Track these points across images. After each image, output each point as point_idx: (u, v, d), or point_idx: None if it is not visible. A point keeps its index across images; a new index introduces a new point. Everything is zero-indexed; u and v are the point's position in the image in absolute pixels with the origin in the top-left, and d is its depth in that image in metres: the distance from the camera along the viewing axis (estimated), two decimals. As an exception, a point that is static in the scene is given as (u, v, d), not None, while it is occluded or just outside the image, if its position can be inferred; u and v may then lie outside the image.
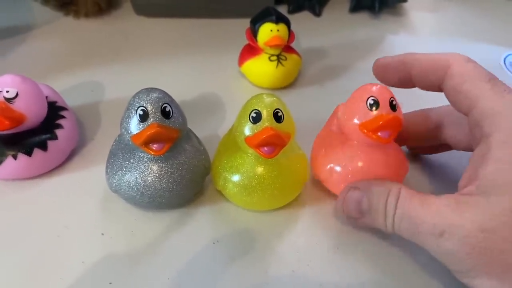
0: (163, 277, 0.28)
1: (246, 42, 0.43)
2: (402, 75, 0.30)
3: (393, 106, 0.29)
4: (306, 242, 0.31)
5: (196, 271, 0.29)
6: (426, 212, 0.25)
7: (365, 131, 0.29)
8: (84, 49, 0.48)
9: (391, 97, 0.29)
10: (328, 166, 0.31)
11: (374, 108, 0.29)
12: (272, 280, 0.29)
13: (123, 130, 0.29)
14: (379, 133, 0.28)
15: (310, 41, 0.52)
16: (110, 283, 0.28)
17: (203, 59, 0.48)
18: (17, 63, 0.46)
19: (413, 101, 0.41)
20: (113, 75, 0.44)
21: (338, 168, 0.31)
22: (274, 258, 0.30)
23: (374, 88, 0.29)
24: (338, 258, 0.30)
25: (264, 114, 0.28)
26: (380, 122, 0.28)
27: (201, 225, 0.31)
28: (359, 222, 0.30)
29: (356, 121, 0.29)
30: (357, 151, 0.30)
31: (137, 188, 0.29)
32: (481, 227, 0.22)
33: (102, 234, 0.30)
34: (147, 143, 0.27)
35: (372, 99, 0.29)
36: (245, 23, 0.43)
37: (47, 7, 0.53)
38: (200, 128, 0.35)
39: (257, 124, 0.28)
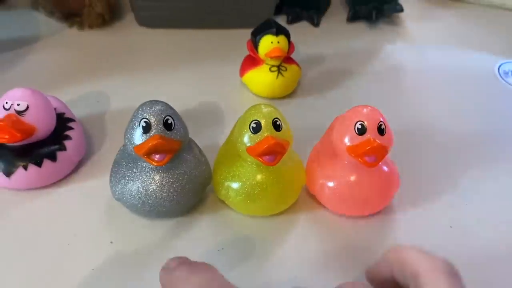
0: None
1: (247, 52, 0.44)
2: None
3: (381, 130, 0.30)
4: (309, 247, 0.32)
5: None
6: None
7: (353, 154, 0.30)
8: (89, 60, 0.49)
9: (380, 121, 0.30)
10: (320, 181, 0.33)
11: (361, 133, 0.30)
12: (276, 286, 0.30)
13: (126, 141, 0.30)
14: (365, 158, 0.29)
15: (309, 50, 0.53)
16: (119, 290, 0.29)
17: (205, 70, 0.49)
18: (23, 74, 0.47)
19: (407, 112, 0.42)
20: (117, 86, 0.46)
21: (329, 184, 0.32)
22: (278, 263, 0.31)
23: (364, 110, 0.31)
24: (341, 262, 0.31)
25: (264, 123, 0.29)
26: (367, 148, 0.29)
27: (206, 233, 0.33)
28: None
29: (345, 142, 0.30)
30: (347, 170, 0.32)
31: (138, 197, 0.30)
32: None
33: (111, 242, 0.31)
34: (149, 153, 0.28)
35: (360, 124, 0.30)
36: (246, 33, 0.45)
37: (51, 19, 0.55)
38: (202, 138, 0.37)
39: (258, 134, 0.29)
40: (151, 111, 0.29)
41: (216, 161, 0.34)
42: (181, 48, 0.52)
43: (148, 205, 0.31)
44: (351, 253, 0.32)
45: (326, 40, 0.56)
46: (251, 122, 0.30)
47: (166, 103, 0.30)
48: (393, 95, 0.48)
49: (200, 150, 0.34)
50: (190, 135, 0.34)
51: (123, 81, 0.46)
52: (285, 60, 0.44)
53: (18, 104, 0.32)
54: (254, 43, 0.43)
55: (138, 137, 0.29)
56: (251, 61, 0.44)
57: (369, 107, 0.31)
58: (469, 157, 0.40)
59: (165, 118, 0.29)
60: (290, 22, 0.58)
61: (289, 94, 0.46)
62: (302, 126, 0.40)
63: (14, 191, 0.34)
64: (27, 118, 0.32)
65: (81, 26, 0.53)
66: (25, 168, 0.32)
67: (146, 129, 0.29)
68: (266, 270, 0.30)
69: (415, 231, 0.34)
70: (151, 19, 0.54)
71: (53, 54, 0.50)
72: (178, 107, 0.32)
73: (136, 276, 0.30)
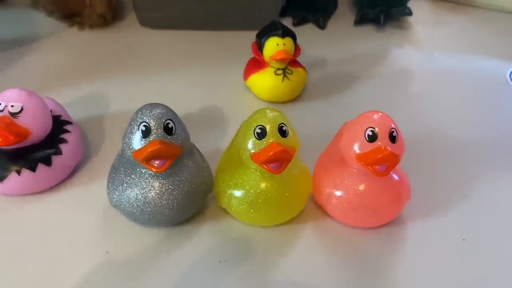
0: (168, 297, 0.28)
1: (251, 55, 0.43)
2: None
3: (392, 138, 0.28)
4: (315, 259, 0.31)
5: (202, 290, 0.28)
6: None
7: (363, 163, 0.28)
8: (88, 61, 0.48)
9: (392, 128, 0.28)
10: (327, 190, 0.31)
11: (372, 140, 0.28)
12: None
13: (125, 145, 0.28)
14: (376, 167, 0.28)
15: (315, 53, 0.52)
16: (115, 303, 0.27)
17: (207, 72, 0.47)
18: (21, 74, 0.45)
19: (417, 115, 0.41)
20: (117, 88, 0.44)
21: (336, 194, 0.31)
22: (282, 276, 0.29)
23: (375, 116, 0.29)
24: (345, 275, 0.30)
25: (269, 129, 0.28)
26: (378, 156, 0.27)
27: (207, 243, 0.31)
28: None
29: (355, 150, 0.29)
30: (356, 178, 0.30)
31: (137, 205, 0.29)
32: None
33: (107, 252, 0.30)
34: (148, 159, 0.27)
35: (371, 130, 0.28)
36: (250, 35, 0.43)
37: (51, 19, 0.53)
38: (204, 143, 0.35)
39: (263, 140, 0.28)
40: (151, 115, 0.28)
41: (218, 168, 0.33)
42: (183, 49, 0.51)
43: (147, 213, 0.29)
44: (359, 265, 0.30)
45: (333, 43, 0.54)
46: (255, 128, 0.28)
47: (166, 106, 0.29)
48: (401, 100, 0.46)
49: (201, 156, 0.33)
50: (192, 140, 0.33)
51: (123, 83, 0.45)
52: (291, 63, 0.42)
53: (12, 106, 0.30)
54: (259, 45, 0.42)
55: (137, 141, 0.28)
56: (256, 64, 0.43)
57: (380, 113, 0.30)
58: (482, 166, 0.39)
59: (166, 122, 0.28)
60: (296, 24, 0.56)
61: (295, 98, 0.44)
62: (308, 132, 0.38)
63: (7, 197, 0.33)
64: (22, 121, 0.30)
65: (81, 26, 0.52)
66: (19, 172, 0.31)
67: (146, 133, 0.27)
68: (270, 283, 0.29)
69: (426, 244, 0.32)
70: (154, 20, 0.53)
71: (51, 55, 0.49)
72: (179, 110, 0.31)
73: (132, 288, 0.28)
